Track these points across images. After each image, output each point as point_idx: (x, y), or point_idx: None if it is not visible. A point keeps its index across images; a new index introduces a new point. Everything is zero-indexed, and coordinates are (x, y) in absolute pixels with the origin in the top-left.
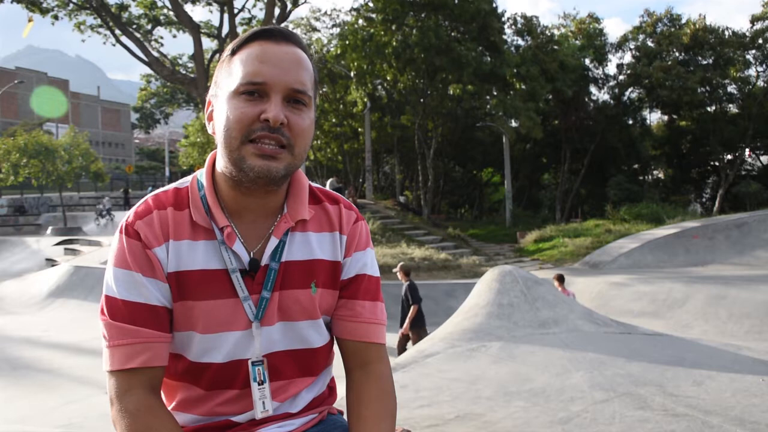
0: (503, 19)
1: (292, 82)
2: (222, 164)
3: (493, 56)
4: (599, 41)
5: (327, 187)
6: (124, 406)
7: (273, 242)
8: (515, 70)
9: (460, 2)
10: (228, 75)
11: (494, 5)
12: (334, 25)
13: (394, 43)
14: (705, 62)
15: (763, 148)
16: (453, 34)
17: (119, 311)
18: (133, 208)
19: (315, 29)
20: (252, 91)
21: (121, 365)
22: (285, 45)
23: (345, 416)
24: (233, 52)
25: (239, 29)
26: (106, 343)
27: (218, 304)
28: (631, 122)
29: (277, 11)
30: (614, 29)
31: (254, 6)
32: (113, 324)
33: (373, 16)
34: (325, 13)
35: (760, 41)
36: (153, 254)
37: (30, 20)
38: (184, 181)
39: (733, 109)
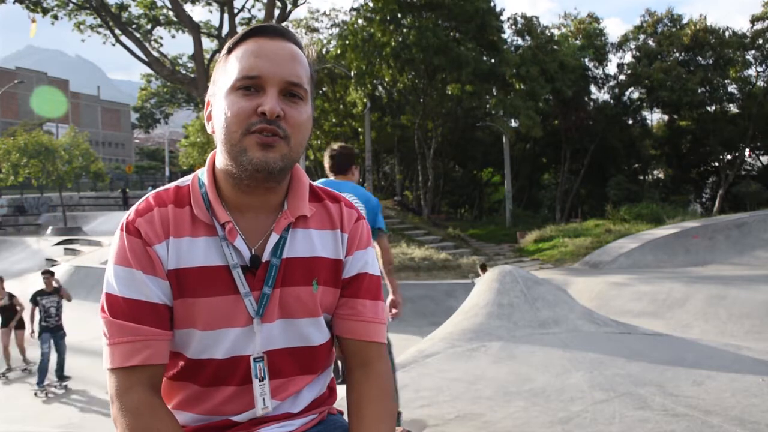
0: (502, 18)
1: (287, 75)
2: (222, 161)
3: (492, 55)
4: (599, 41)
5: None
6: (125, 405)
7: (274, 238)
8: (515, 70)
9: (457, 1)
10: (224, 73)
11: (492, 4)
12: (333, 25)
13: (393, 44)
14: (705, 63)
15: (763, 148)
16: (452, 33)
17: (120, 309)
18: (134, 206)
19: (315, 29)
20: (248, 85)
21: (122, 363)
22: (280, 41)
23: (345, 416)
24: (229, 51)
25: (239, 29)
26: (107, 340)
27: (219, 301)
28: (631, 122)
29: (276, 11)
30: (614, 29)
31: (254, 6)
32: (114, 321)
33: (373, 16)
34: (324, 13)
35: (760, 41)
36: (153, 252)
37: (33, 21)
38: (185, 180)
39: (733, 109)
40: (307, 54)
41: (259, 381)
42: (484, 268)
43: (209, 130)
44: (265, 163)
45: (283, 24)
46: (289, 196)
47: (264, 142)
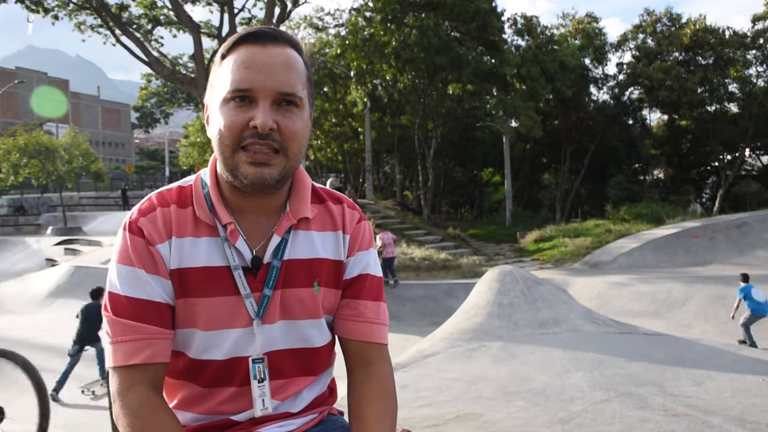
0: (503, 18)
1: (279, 86)
2: (220, 168)
3: (493, 56)
4: (599, 41)
5: (327, 187)
6: (127, 403)
7: (275, 240)
8: (515, 70)
9: (459, 1)
10: (218, 79)
11: (494, 4)
12: (336, 25)
13: (394, 43)
14: (705, 62)
15: (763, 148)
16: (453, 33)
17: (122, 307)
18: (137, 206)
19: (318, 29)
20: (241, 96)
21: (124, 361)
22: (272, 47)
23: (345, 416)
24: (223, 57)
25: (239, 29)
26: (110, 339)
27: (220, 302)
28: (631, 122)
29: (277, 11)
30: (613, 29)
31: (254, 6)
32: (116, 320)
33: (373, 15)
34: (328, 13)
35: (761, 41)
36: (156, 251)
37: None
38: (188, 180)
39: (733, 109)
40: (304, 55)
41: (258, 382)
42: (380, 254)
43: (209, 134)
44: (261, 179)
45: (284, 24)
46: (291, 197)
47: (257, 160)
